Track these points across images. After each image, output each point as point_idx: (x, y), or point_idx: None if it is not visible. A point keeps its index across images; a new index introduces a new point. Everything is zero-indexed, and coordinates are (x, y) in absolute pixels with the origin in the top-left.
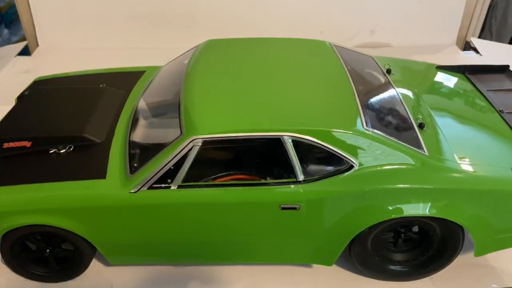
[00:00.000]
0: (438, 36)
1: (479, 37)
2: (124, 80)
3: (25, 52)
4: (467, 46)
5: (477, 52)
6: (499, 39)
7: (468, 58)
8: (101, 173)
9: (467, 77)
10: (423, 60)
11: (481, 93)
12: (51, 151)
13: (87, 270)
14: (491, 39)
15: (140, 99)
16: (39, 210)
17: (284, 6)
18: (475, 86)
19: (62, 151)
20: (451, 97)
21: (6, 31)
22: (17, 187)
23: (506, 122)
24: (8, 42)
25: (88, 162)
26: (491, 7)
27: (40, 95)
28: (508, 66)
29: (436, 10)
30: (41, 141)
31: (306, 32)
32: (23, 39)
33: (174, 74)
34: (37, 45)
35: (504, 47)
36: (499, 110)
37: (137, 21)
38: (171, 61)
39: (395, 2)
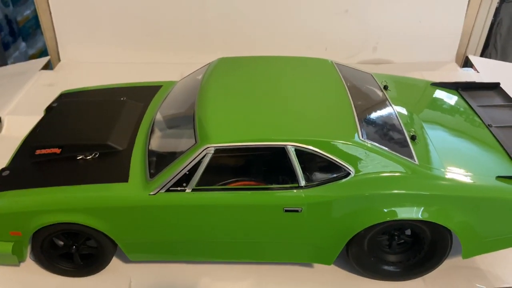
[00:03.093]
0: (437, 53)
1: (483, 53)
2: (143, 94)
3: (48, 66)
4: (469, 63)
5: (475, 69)
6: (503, 55)
7: (466, 75)
8: (123, 177)
9: (460, 94)
10: (423, 76)
11: (472, 108)
12: (78, 158)
13: (108, 266)
14: (496, 55)
15: (158, 111)
16: (69, 209)
17: (291, 24)
18: (466, 102)
19: (88, 158)
20: (444, 111)
21: (23, 44)
22: (49, 189)
23: (494, 135)
24: (25, 54)
25: (112, 168)
26: (495, 24)
27: (68, 107)
28: (498, 84)
29: (435, 28)
30: (69, 148)
31: (311, 49)
32: (39, 52)
33: (189, 89)
34: (59, 60)
35: (500, 64)
36: (488, 125)
37: (152, 38)
38: (185, 76)
39: (396, 21)
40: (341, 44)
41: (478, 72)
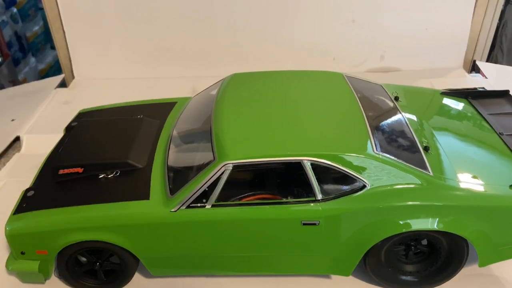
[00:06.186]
0: (445, 59)
1: (490, 55)
2: (159, 111)
3: (62, 84)
4: (477, 68)
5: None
6: (509, 57)
7: (474, 81)
8: (145, 195)
9: (469, 102)
10: (431, 83)
11: (482, 116)
12: (100, 176)
13: (131, 281)
14: (502, 57)
15: (174, 128)
16: (93, 228)
17: (299, 35)
18: (477, 110)
19: (110, 176)
20: (455, 121)
21: (33, 59)
22: (73, 208)
23: (505, 144)
24: (35, 69)
25: (133, 185)
26: (501, 26)
27: (87, 126)
28: (508, 91)
29: (442, 35)
30: (91, 167)
31: (319, 59)
32: (49, 66)
33: (203, 105)
34: (73, 77)
35: (508, 69)
36: (499, 133)
37: (163, 54)
38: (199, 93)
39: (402, 29)
40: (349, 53)
41: (486, 77)
